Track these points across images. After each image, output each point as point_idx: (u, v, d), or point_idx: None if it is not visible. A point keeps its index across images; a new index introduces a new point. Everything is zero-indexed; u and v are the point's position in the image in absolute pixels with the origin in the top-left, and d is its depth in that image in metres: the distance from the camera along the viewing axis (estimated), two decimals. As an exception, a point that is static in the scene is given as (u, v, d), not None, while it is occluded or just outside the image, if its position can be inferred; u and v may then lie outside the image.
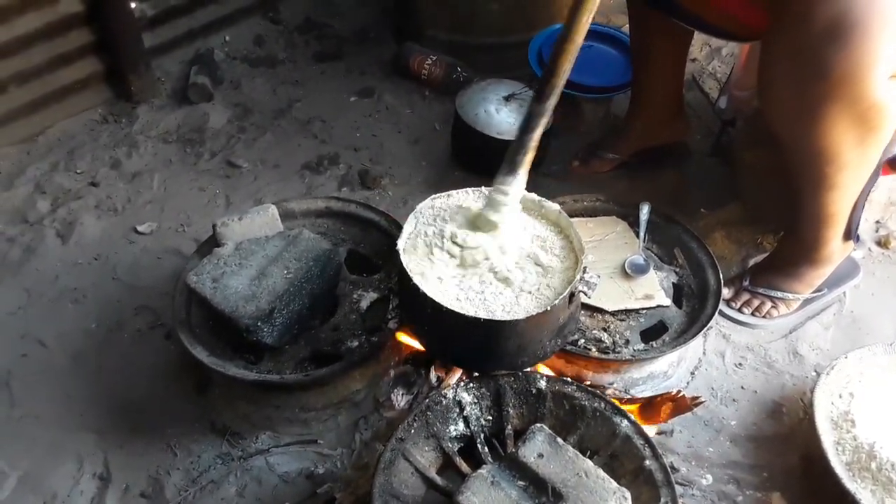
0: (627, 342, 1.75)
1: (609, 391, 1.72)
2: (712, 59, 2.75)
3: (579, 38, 1.37)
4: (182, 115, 2.54)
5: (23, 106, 2.39)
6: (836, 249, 1.81)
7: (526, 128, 1.49)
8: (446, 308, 1.41)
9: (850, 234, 1.78)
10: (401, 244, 1.51)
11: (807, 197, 1.68)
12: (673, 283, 1.89)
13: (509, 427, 1.50)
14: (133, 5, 2.46)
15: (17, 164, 2.36)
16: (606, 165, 2.31)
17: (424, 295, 1.42)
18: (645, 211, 1.97)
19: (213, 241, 1.78)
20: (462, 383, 1.52)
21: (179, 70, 2.69)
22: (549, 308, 1.42)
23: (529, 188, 1.61)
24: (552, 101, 1.45)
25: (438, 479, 1.43)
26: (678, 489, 1.41)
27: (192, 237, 2.16)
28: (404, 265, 1.47)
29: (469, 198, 1.63)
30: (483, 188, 1.63)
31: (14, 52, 2.28)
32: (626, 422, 1.46)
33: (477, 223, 1.53)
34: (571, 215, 1.63)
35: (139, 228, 2.18)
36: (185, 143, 2.46)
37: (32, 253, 2.11)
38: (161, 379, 1.84)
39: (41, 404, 1.79)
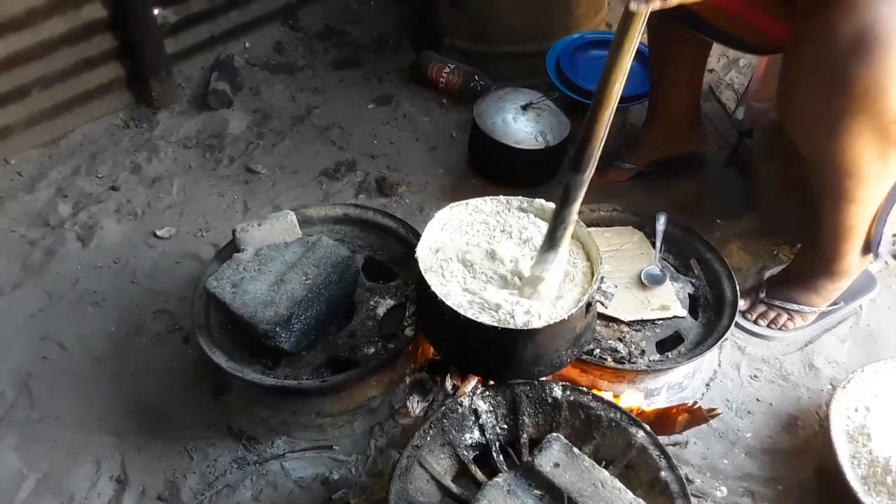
0: (643, 352, 1.76)
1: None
2: (730, 69, 2.75)
3: (612, 103, 1.27)
4: (202, 121, 2.57)
5: (46, 110, 2.42)
6: (854, 263, 1.80)
7: (565, 201, 1.39)
8: (463, 316, 1.41)
9: (871, 248, 1.77)
10: (419, 252, 1.52)
11: (826, 209, 1.68)
12: (689, 294, 1.89)
13: (525, 436, 1.51)
14: (156, 12, 2.49)
15: (40, 168, 2.39)
16: (623, 175, 2.32)
17: (442, 302, 1.43)
18: (661, 221, 1.97)
19: (232, 247, 1.79)
20: (478, 391, 1.53)
21: (200, 76, 2.71)
22: (565, 317, 1.42)
23: (546, 196, 1.62)
24: (590, 172, 1.34)
25: (454, 487, 1.44)
26: (693, 501, 1.41)
27: (210, 242, 2.18)
28: (422, 273, 1.48)
29: (487, 206, 1.64)
30: (501, 196, 1.64)
31: (38, 56, 2.31)
32: (641, 432, 1.46)
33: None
34: (588, 225, 1.63)
35: (159, 233, 2.20)
36: (204, 148, 2.48)
37: (53, 256, 2.13)
38: (179, 382, 1.85)
39: (60, 406, 1.81)
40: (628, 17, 1.19)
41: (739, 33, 1.78)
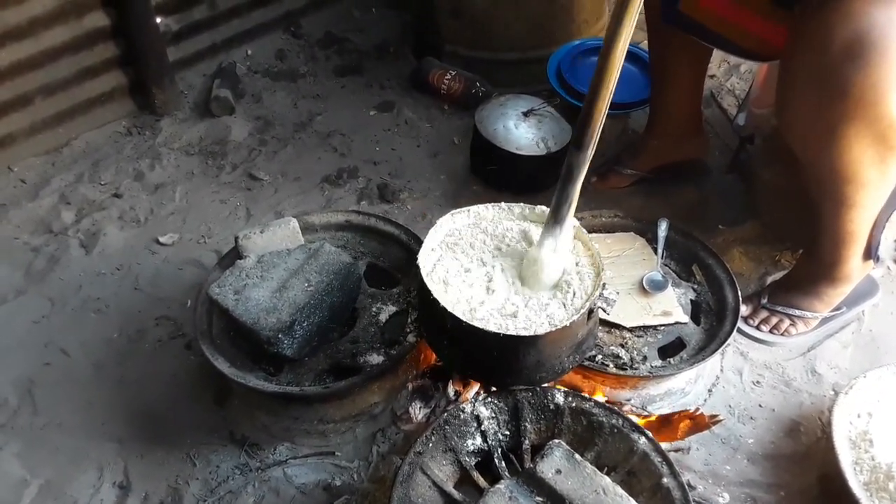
0: (645, 358, 1.75)
1: (626, 408, 1.72)
2: (731, 75, 2.75)
3: (614, 76, 1.30)
4: (204, 128, 2.57)
5: (49, 118, 2.43)
6: (855, 268, 1.80)
7: (568, 178, 1.42)
8: (465, 322, 1.41)
9: (871, 253, 1.78)
10: (421, 258, 1.52)
11: (826, 215, 1.68)
12: (691, 300, 1.89)
13: (527, 442, 1.51)
14: (158, 20, 2.50)
15: (43, 175, 2.40)
16: (625, 181, 2.32)
17: (444, 309, 1.43)
18: (663, 227, 1.97)
19: (234, 253, 1.80)
20: (480, 397, 1.53)
21: (202, 83, 2.73)
22: (567, 324, 1.42)
23: (548, 203, 1.62)
24: (592, 149, 1.37)
25: (456, 494, 1.43)
26: (695, 507, 1.41)
27: (213, 248, 2.18)
28: (424, 279, 1.49)
29: (489, 213, 1.64)
30: (503, 203, 1.65)
31: (41, 64, 2.32)
32: (643, 439, 1.46)
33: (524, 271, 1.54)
34: (590, 231, 1.63)
35: (161, 240, 2.20)
36: (207, 155, 2.49)
37: (56, 263, 2.14)
38: (181, 389, 1.86)
39: (63, 413, 1.81)
40: None
41: (739, 40, 1.78)
